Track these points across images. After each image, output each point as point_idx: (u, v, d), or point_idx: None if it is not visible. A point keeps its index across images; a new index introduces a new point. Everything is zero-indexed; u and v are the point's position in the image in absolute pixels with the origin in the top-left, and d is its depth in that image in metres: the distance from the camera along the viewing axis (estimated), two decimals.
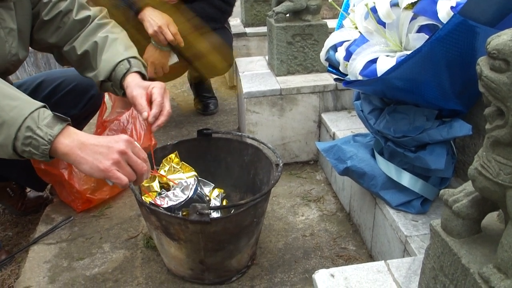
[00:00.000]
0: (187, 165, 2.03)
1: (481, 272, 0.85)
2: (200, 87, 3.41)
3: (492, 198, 0.86)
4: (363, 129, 2.09)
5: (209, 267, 1.76)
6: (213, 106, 3.36)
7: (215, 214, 1.90)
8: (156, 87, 1.71)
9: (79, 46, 1.86)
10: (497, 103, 0.79)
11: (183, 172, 2.01)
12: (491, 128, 0.82)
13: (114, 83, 1.79)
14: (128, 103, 1.98)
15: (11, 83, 1.83)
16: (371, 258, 1.90)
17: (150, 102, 1.70)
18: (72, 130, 1.33)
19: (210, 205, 1.89)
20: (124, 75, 1.75)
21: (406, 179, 1.67)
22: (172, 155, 2.01)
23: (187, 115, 3.36)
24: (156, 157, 2.00)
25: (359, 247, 1.97)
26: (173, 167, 2.00)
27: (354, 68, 1.60)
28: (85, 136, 1.33)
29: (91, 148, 1.30)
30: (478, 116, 1.64)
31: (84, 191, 2.22)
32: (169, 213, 1.75)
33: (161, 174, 1.94)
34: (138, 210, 2.21)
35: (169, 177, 1.97)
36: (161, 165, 1.99)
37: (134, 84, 1.71)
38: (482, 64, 0.81)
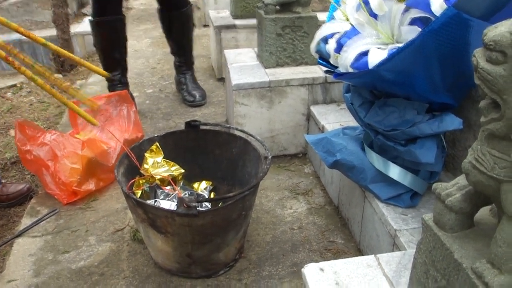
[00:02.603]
0: (170, 161, 2.01)
1: (474, 267, 0.84)
2: (184, 78, 3.39)
3: (486, 192, 0.84)
4: (353, 122, 2.07)
5: (196, 260, 1.74)
6: (201, 97, 3.33)
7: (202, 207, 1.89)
8: None
9: None
10: (492, 96, 0.78)
11: (167, 166, 1.99)
12: (486, 121, 0.80)
13: None
14: None
15: None
16: (359, 251, 1.90)
17: None
18: None
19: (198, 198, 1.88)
20: None
21: (395, 172, 1.66)
22: (154, 147, 1.99)
23: (174, 107, 3.33)
24: (143, 149, 1.98)
25: (348, 241, 1.96)
26: (156, 162, 1.98)
27: (345, 60, 1.59)
28: None
29: None
30: (468, 110, 1.63)
31: (70, 183, 2.19)
32: (156, 206, 1.74)
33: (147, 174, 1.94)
34: (125, 202, 2.18)
35: (155, 171, 1.95)
36: (143, 159, 1.97)
37: None
38: (478, 56, 0.79)
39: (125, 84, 3.17)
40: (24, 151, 2.24)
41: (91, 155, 2.27)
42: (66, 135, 2.35)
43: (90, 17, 3.05)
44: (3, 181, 2.37)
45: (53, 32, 4.13)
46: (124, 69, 3.19)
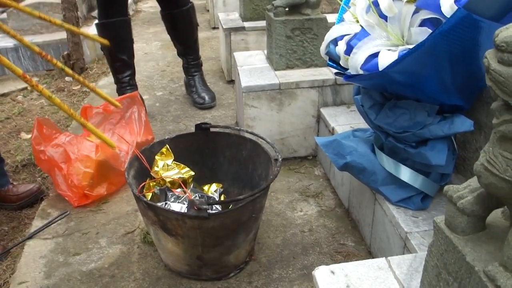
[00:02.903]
0: (180, 163, 2.02)
1: (487, 270, 0.83)
2: (193, 80, 3.39)
3: (498, 195, 0.84)
4: (363, 124, 2.07)
5: (206, 262, 1.74)
6: (210, 99, 3.33)
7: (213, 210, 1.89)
8: None
9: None
10: (504, 97, 0.77)
11: (178, 169, 2.00)
12: (499, 123, 0.80)
13: None
14: None
15: None
16: (370, 254, 1.89)
17: None
18: None
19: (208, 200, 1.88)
20: None
21: (406, 174, 1.65)
22: (164, 149, 1.99)
23: (184, 109, 3.34)
24: (153, 151, 1.98)
25: (358, 243, 1.96)
26: (167, 164, 1.98)
27: (355, 62, 1.58)
28: None
29: None
30: (479, 111, 1.62)
31: (82, 187, 2.20)
32: (167, 208, 1.74)
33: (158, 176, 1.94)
34: (135, 205, 2.19)
35: (165, 174, 1.95)
36: (154, 162, 1.97)
37: None
38: (490, 57, 0.79)
39: (133, 86, 3.18)
40: (38, 151, 2.25)
41: (104, 159, 2.27)
42: (81, 137, 2.35)
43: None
44: (14, 183, 2.38)
45: (63, 35, 4.15)
46: (132, 71, 3.19)
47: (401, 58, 1.38)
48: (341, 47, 1.70)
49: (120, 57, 3.09)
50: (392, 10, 1.52)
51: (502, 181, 0.80)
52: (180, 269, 1.80)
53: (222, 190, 2.10)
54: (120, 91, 3.14)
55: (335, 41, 1.76)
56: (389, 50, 1.51)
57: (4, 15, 4.41)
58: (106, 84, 3.85)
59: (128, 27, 3.12)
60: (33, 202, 2.33)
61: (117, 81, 3.16)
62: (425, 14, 1.45)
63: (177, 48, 3.41)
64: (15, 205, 2.29)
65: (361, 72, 1.56)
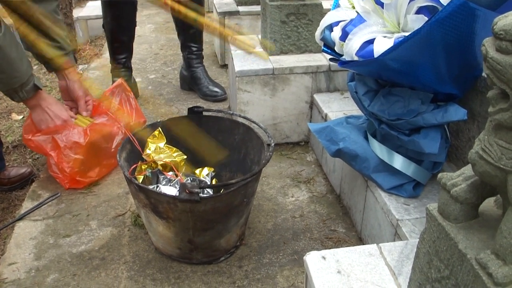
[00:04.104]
0: (172, 147, 2.01)
1: (479, 258, 0.83)
2: (200, 73, 3.28)
3: (492, 183, 0.84)
4: (356, 111, 2.07)
5: (197, 246, 1.74)
6: (222, 90, 3.21)
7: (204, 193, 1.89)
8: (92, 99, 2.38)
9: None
10: (501, 86, 0.77)
11: (170, 152, 1.99)
12: (494, 111, 0.79)
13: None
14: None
15: None
16: (360, 241, 1.90)
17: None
18: (39, 95, 2.13)
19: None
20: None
21: (398, 162, 1.65)
22: (156, 132, 1.98)
23: (177, 93, 3.32)
24: (145, 134, 1.97)
25: (349, 230, 1.96)
26: (159, 147, 1.97)
27: (350, 49, 1.58)
28: (46, 101, 2.15)
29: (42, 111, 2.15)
30: (473, 101, 1.62)
31: (74, 174, 2.18)
32: (158, 191, 1.73)
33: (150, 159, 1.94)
34: (126, 187, 2.18)
35: (157, 157, 1.95)
36: (146, 144, 1.96)
37: (78, 85, 2.31)
38: (488, 45, 0.78)
39: (128, 69, 3.15)
40: (27, 139, 2.21)
41: (94, 142, 2.24)
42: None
43: None
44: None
45: None
46: (129, 53, 3.16)
47: (397, 45, 1.38)
48: (336, 33, 1.70)
49: (120, 38, 3.05)
50: None
51: (496, 170, 0.80)
52: (170, 253, 1.80)
53: (214, 174, 2.10)
54: (114, 72, 3.11)
55: (330, 27, 1.76)
56: (384, 37, 1.51)
57: None
58: (98, 66, 3.82)
59: (134, 9, 3.06)
60: (24, 184, 2.32)
61: (113, 61, 3.12)
62: (421, 2, 1.45)
63: (182, 36, 3.23)
64: (5, 188, 2.28)
65: (356, 58, 1.56)
